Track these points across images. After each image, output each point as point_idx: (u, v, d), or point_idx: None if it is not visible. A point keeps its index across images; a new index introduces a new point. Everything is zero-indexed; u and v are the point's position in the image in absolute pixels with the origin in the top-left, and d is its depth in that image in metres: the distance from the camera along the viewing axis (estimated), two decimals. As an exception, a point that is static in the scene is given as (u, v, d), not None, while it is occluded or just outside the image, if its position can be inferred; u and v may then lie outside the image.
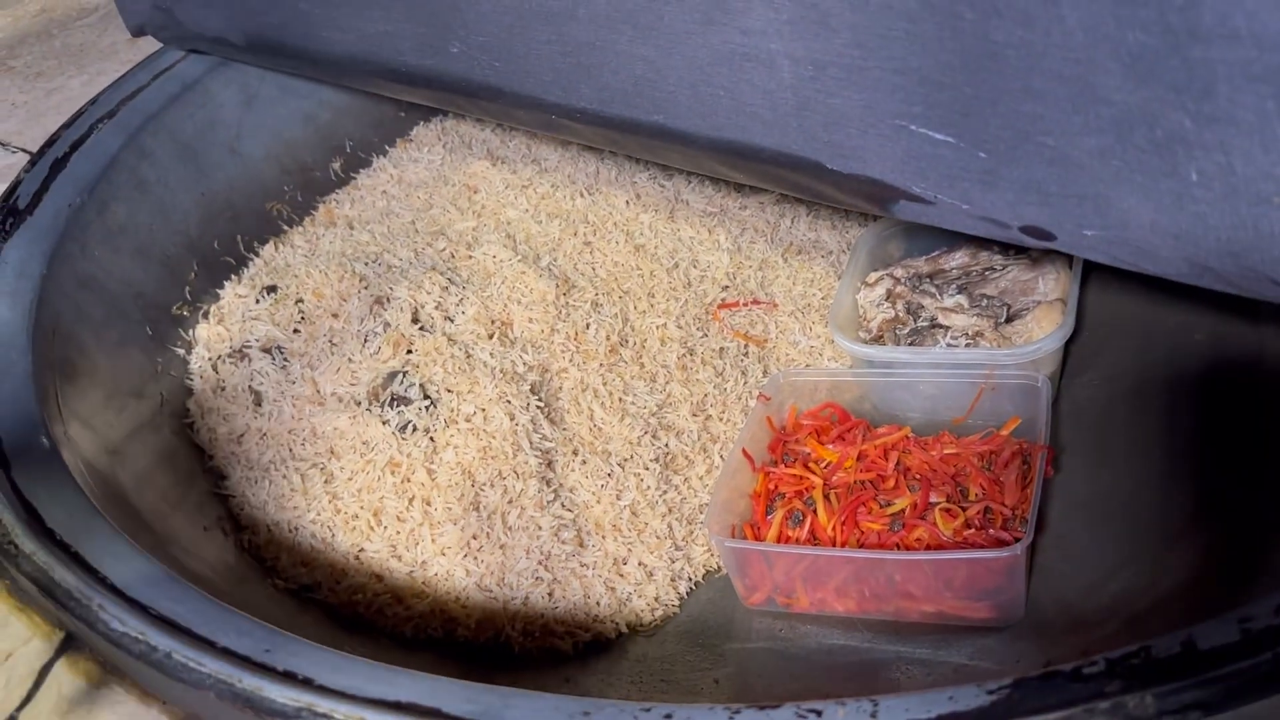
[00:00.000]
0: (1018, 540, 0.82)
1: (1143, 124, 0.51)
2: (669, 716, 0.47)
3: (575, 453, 0.96)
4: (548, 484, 0.93)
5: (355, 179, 1.29)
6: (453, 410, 0.94)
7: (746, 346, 1.08)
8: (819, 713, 0.46)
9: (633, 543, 0.92)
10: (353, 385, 0.98)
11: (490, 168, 1.23)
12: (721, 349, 1.06)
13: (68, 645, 0.60)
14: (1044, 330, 1.01)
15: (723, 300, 1.10)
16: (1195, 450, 0.92)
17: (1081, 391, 1.03)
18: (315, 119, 1.28)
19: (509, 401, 0.95)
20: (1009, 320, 1.04)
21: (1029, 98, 0.54)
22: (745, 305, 1.10)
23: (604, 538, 0.92)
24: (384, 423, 0.94)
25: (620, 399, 0.99)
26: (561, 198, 1.18)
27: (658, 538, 0.92)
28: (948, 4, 0.54)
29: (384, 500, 0.90)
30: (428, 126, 1.37)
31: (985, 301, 1.05)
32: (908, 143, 0.62)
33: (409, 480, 0.91)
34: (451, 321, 1.03)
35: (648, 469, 0.95)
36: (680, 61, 0.69)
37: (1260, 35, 0.45)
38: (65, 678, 0.59)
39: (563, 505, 0.92)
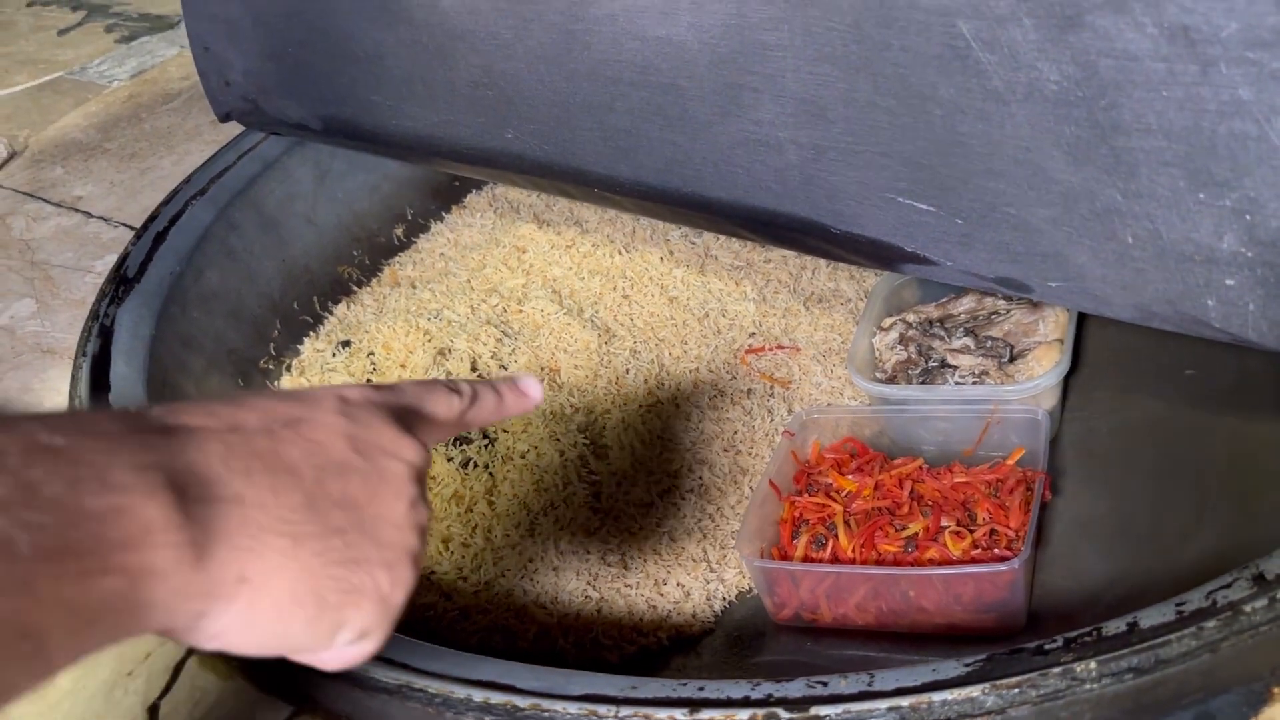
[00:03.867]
0: (1017, 556, 0.92)
1: (1084, 198, 0.62)
2: (701, 689, 0.57)
3: (619, 484, 1.07)
4: (594, 513, 1.04)
5: (416, 243, 1.43)
6: (509, 448, 1.06)
7: (772, 387, 1.18)
8: (825, 683, 0.56)
9: (671, 565, 1.02)
10: (420, 428, 1.10)
11: (537, 230, 1.36)
12: (749, 390, 1.17)
13: (199, 646, 0.72)
14: (1044, 368, 1.10)
15: (750, 346, 1.21)
16: (1185, 474, 1.01)
17: (1081, 423, 1.12)
18: (380, 190, 1.42)
19: (558, 439, 1.06)
20: (1012, 359, 1.14)
21: (991, 177, 0.65)
22: (770, 350, 1.21)
23: (645, 561, 1.02)
24: (449, 460, 1.06)
25: (658, 436, 1.10)
26: (601, 256, 1.31)
27: (694, 560, 1.03)
28: (920, 103, 0.66)
29: (450, 528, 1.01)
30: (479, 194, 1.50)
31: (990, 343, 1.16)
32: (897, 211, 0.73)
33: (472, 510, 1.02)
34: (505, 369, 1.15)
35: (684, 499, 1.06)
36: (704, 145, 0.81)
37: (1168, 129, 0.56)
38: (197, 672, 0.70)
39: (608, 532, 1.03)
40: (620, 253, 1.31)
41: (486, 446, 1.06)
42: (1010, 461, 1.08)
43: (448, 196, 1.48)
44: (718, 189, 0.83)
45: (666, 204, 0.89)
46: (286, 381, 1.19)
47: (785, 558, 1.03)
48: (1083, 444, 1.10)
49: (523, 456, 1.05)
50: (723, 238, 1.32)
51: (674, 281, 1.26)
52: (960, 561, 0.97)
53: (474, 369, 1.14)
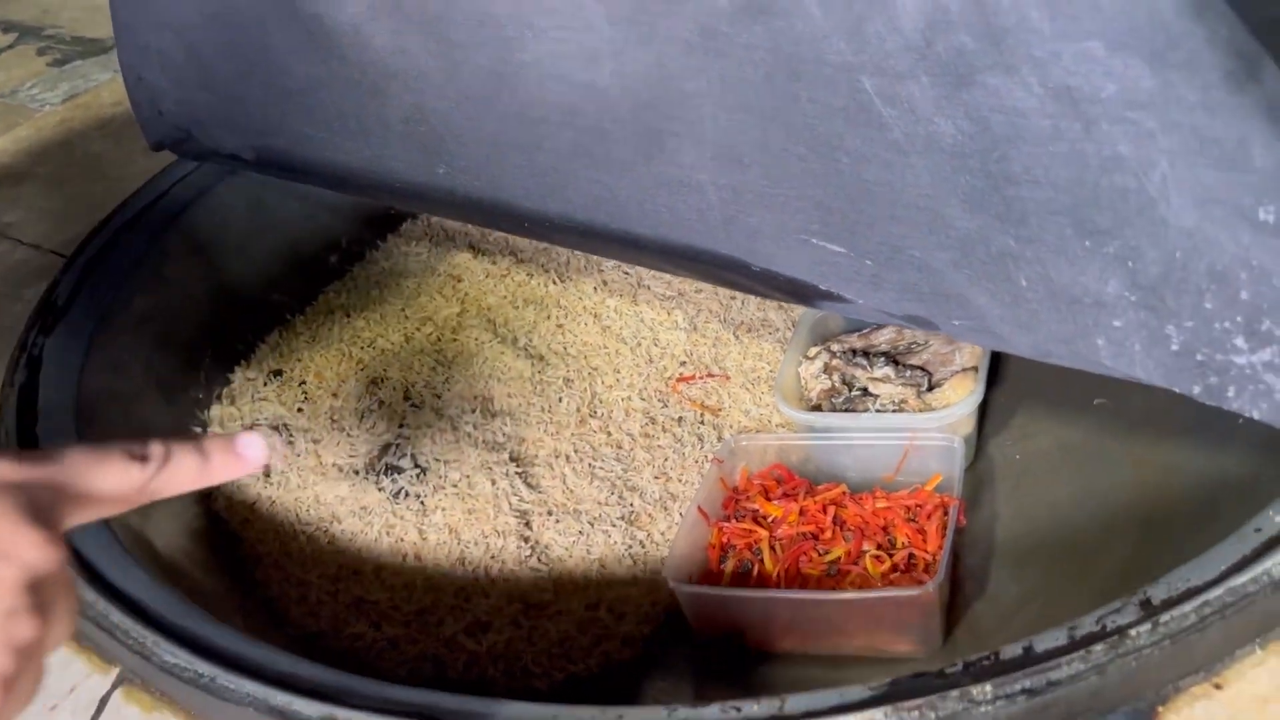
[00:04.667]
0: (932, 579, 0.95)
1: (980, 243, 0.65)
2: (621, 716, 0.59)
3: (550, 513, 1.08)
4: (526, 541, 1.05)
5: (351, 270, 1.43)
6: (441, 477, 1.07)
7: (703, 415, 1.21)
8: (738, 709, 0.58)
9: (602, 592, 1.04)
10: (352, 457, 1.11)
11: (472, 259, 1.37)
12: (680, 418, 1.19)
13: (122, 679, 0.72)
14: (959, 397, 1.15)
15: (681, 374, 1.24)
16: (1093, 499, 1.05)
17: (998, 450, 1.17)
18: (314, 219, 1.43)
19: (490, 468, 1.07)
20: (930, 388, 1.18)
21: (895, 222, 0.69)
22: (701, 378, 1.24)
23: (576, 588, 1.04)
24: (380, 489, 1.07)
25: (590, 464, 1.12)
26: (536, 285, 1.33)
27: (624, 586, 1.05)
28: (829, 151, 0.69)
29: (381, 558, 1.02)
30: (415, 223, 1.51)
31: (909, 372, 1.20)
32: (811, 252, 0.76)
33: (403, 540, 1.03)
34: (439, 398, 1.16)
35: (615, 526, 1.08)
36: (628, 185, 0.84)
37: (1055, 181, 0.60)
38: (122, 706, 0.70)
39: (539, 560, 1.04)
40: (555, 282, 1.33)
41: (419, 476, 1.07)
42: (928, 487, 1.12)
43: (383, 225, 1.49)
44: (642, 226, 0.86)
45: (594, 239, 0.91)
46: (217, 411, 1.19)
47: (713, 583, 1.06)
48: (997, 470, 1.15)
49: (454, 485, 1.06)
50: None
51: (607, 310, 1.29)
52: (879, 585, 1.00)
53: (407, 398, 1.15)
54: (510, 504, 1.06)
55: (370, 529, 1.04)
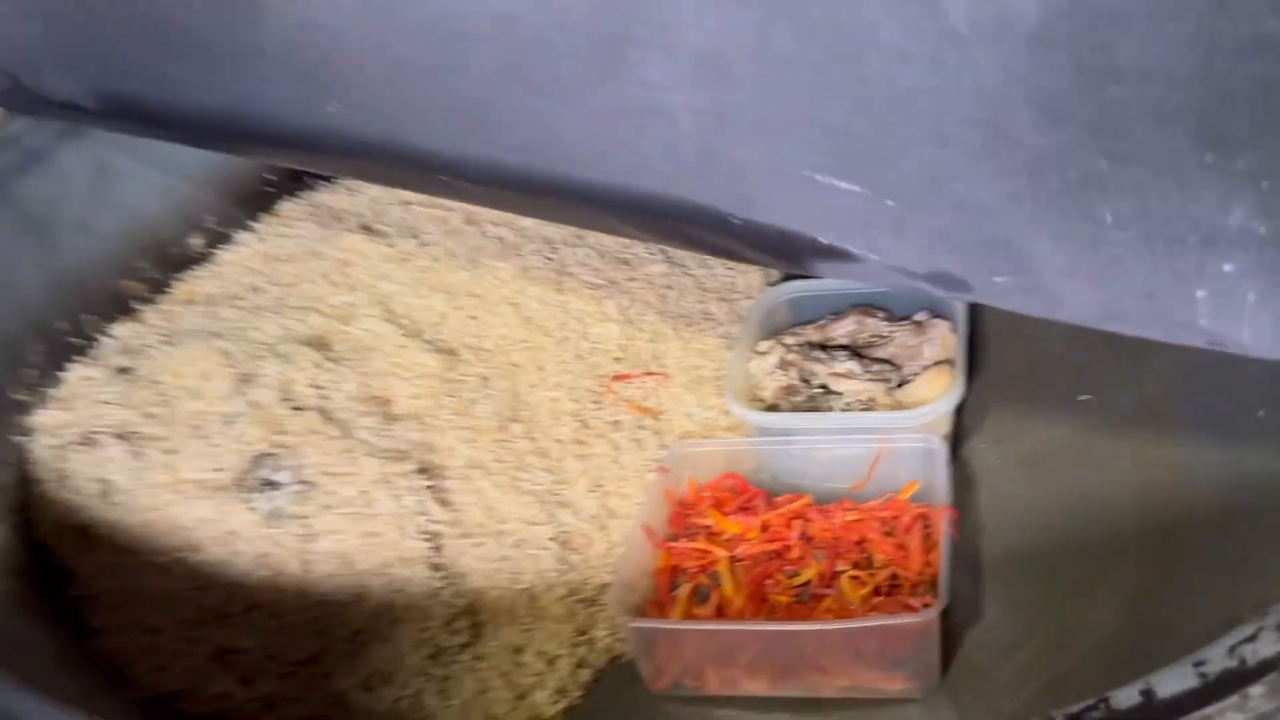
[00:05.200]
0: (928, 606, 0.80)
1: (1056, 167, 0.50)
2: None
3: (466, 535, 0.90)
4: (436, 570, 0.86)
5: (217, 255, 1.22)
6: (329, 494, 0.87)
7: (642, 418, 1.04)
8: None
9: (531, 630, 0.86)
10: (216, 471, 0.90)
11: (365, 241, 1.18)
12: (617, 421, 1.02)
13: None
14: (934, 393, 1.01)
15: (615, 373, 1.07)
16: (1091, 506, 0.93)
17: (972, 454, 1.03)
18: (174, 191, 1.21)
19: (391, 483, 0.88)
20: (900, 385, 1.04)
21: (937, 144, 0.53)
22: (638, 377, 1.07)
23: (500, 626, 0.85)
24: (251, 510, 0.86)
25: (513, 476, 0.94)
26: (443, 270, 1.14)
27: (558, 622, 0.86)
28: (854, 52, 0.53)
29: (254, 595, 0.82)
30: (296, 202, 1.31)
31: (876, 366, 1.06)
32: (814, 193, 0.60)
33: (281, 573, 0.83)
34: (327, 399, 0.96)
35: (545, 549, 0.90)
36: (577, 116, 0.67)
37: (1173, 74, 0.45)
38: None
39: (455, 593, 0.85)
40: (465, 268, 1.14)
41: (301, 493, 0.87)
42: (903, 496, 0.97)
43: (258, 202, 1.28)
44: (594, 171, 0.69)
45: (529, 192, 0.74)
46: (45, 416, 0.96)
47: (665, 614, 0.89)
48: (977, 475, 1.01)
49: (347, 504, 0.86)
50: (581, 253, 1.18)
51: (528, 300, 1.11)
52: (862, 614, 0.85)
53: (287, 399, 0.95)
54: (417, 525, 0.87)
55: (239, 560, 0.84)
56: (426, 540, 0.87)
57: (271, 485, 0.88)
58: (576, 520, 0.93)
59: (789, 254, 0.67)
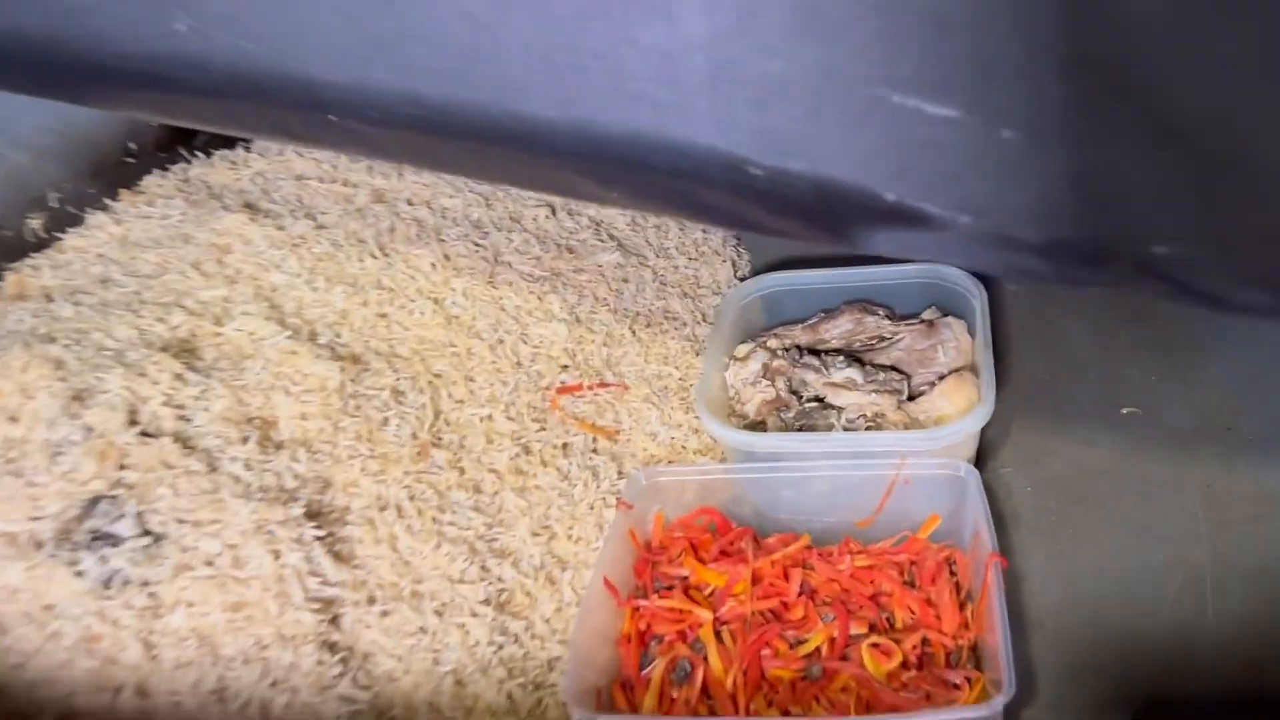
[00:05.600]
0: (978, 686, 0.62)
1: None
2: None
3: (372, 600, 0.68)
4: (332, 651, 0.65)
5: (62, 240, 0.98)
6: (186, 550, 0.65)
7: (595, 440, 0.84)
8: None
9: (459, 727, 0.65)
10: (33, 520, 0.67)
11: (248, 222, 0.95)
12: (565, 445, 0.82)
13: None
14: (955, 406, 0.83)
15: (562, 384, 0.86)
16: (1148, 542, 0.75)
17: (996, 480, 0.85)
18: (5, 162, 0.96)
19: (271, 533, 0.66)
20: (911, 398, 0.86)
21: (1116, 29, 0.34)
22: (590, 388, 0.87)
23: (417, 722, 0.64)
24: (78, 574, 0.64)
25: (434, 519, 0.73)
26: (346, 259, 0.92)
27: (494, 715, 0.66)
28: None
29: (74, 699, 0.59)
30: (164, 175, 1.07)
31: (882, 375, 0.87)
32: (886, 122, 0.41)
33: (115, 662, 0.61)
34: (189, 421, 0.73)
35: (476, 615, 0.69)
36: (527, 19, 0.46)
37: None
38: None
39: (355, 682, 0.64)
40: (374, 255, 0.92)
41: (147, 549, 0.65)
42: (922, 535, 0.79)
43: (114, 177, 1.04)
44: (549, 102, 0.49)
45: (455, 136, 0.53)
46: None
47: (633, 700, 0.68)
48: (1002, 507, 0.83)
49: (209, 564, 0.64)
50: (518, 237, 0.97)
51: (453, 295, 0.90)
52: (891, 696, 0.66)
53: (134, 423, 0.72)
54: (306, 589, 0.65)
55: (59, 643, 0.61)
56: (317, 611, 0.65)
57: (107, 540, 0.66)
58: (517, 575, 0.72)
59: (827, 219, 0.47)
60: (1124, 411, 0.86)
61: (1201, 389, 0.84)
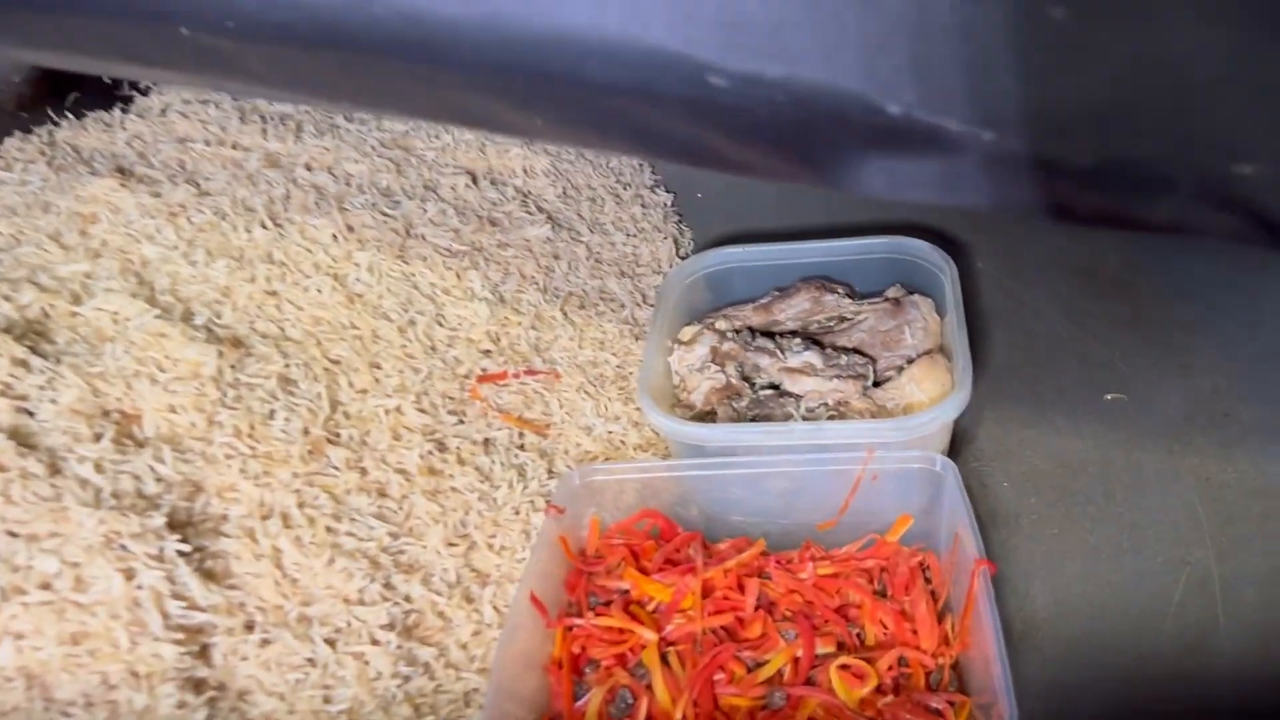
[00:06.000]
0: (975, 718, 0.52)
1: None
2: None
3: (250, 627, 0.57)
4: (197, 690, 0.53)
5: (-104, 207, 0.84)
6: (17, 570, 0.53)
7: (522, 435, 0.73)
8: None
9: (355, 779, 0.54)
10: None
11: (118, 189, 0.82)
12: (487, 440, 0.71)
13: None
14: (926, 393, 0.74)
15: (484, 371, 0.75)
16: (1143, 539, 0.67)
17: (970, 475, 0.77)
18: None
19: (124, 547, 0.54)
20: (877, 384, 0.77)
21: None
22: (516, 377, 0.76)
23: (303, 776, 0.53)
24: None
25: (328, 529, 0.62)
26: (232, 229, 0.80)
27: (399, 764, 0.55)
28: None
29: None
30: (26, 139, 0.94)
31: (844, 359, 0.78)
32: (896, 1, 0.31)
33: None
34: (31, 415, 0.61)
35: (377, 643, 0.58)
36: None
37: None
38: None
39: (225, 728, 0.53)
40: (265, 225, 0.80)
41: (-37, 571, 0.52)
42: (891, 537, 0.70)
43: (-36, 135, 0.91)
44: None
45: (330, 48, 0.42)
46: None
47: (567, 741, 0.58)
48: (978, 505, 0.74)
49: (45, 587, 0.52)
50: (432, 206, 0.85)
51: (356, 270, 0.78)
52: (867, 723, 0.56)
53: (-42, 418, 0.59)
54: (166, 615, 0.54)
55: None
56: (180, 642, 0.53)
57: (-87, 560, 0.53)
58: (427, 593, 0.61)
59: (807, 144, 0.37)
60: (1108, 398, 0.78)
61: (1193, 372, 0.77)
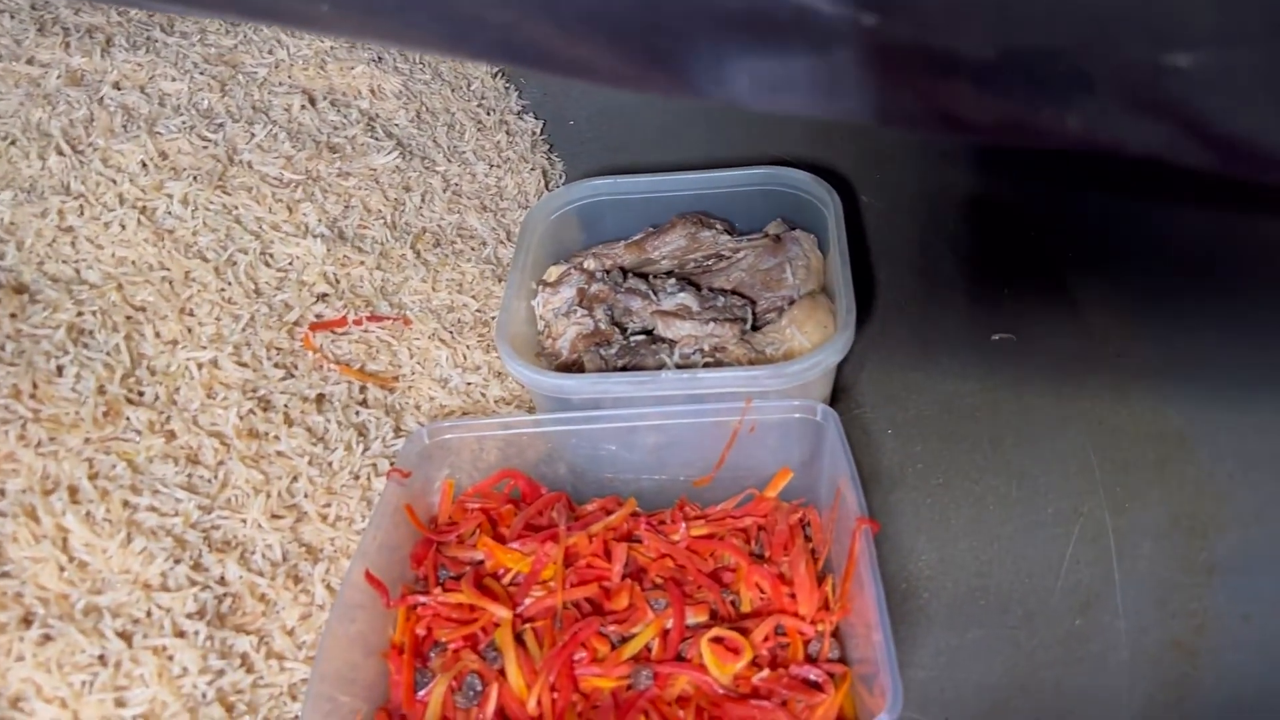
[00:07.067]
0: (857, 692, 0.48)
1: None
2: None
3: (27, 621, 0.48)
4: (-50, 704, 0.44)
5: None
6: None
7: (364, 390, 0.65)
8: None
9: (153, 795, 0.46)
10: None
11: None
12: (320, 396, 0.63)
13: None
14: (808, 336, 0.69)
15: (319, 317, 0.67)
16: (1031, 486, 0.64)
17: (852, 423, 0.72)
18: None
19: None
20: (757, 326, 0.71)
21: None
22: (358, 323, 0.68)
23: (88, 797, 0.45)
24: None
25: (126, 503, 0.53)
26: (22, 156, 0.69)
27: (206, 775, 0.47)
28: None
29: None
30: None
31: (721, 301, 0.72)
32: None
33: None
34: None
35: (182, 634, 0.50)
36: None
37: None
38: None
39: (-16, 747, 0.44)
40: (59, 150, 0.69)
41: None
42: (770, 493, 0.65)
43: None
44: None
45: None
46: None
47: (406, 735, 0.51)
48: (860, 455, 0.70)
49: None
50: (262, 130, 0.75)
51: (168, 203, 0.68)
52: (740, 703, 0.51)
53: None
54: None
55: None
56: (-73, 648, 0.45)
57: None
58: (246, 574, 0.54)
59: (648, 37, 0.30)
60: (996, 338, 0.74)
61: (1085, 310, 0.73)
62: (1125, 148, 0.28)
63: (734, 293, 0.73)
